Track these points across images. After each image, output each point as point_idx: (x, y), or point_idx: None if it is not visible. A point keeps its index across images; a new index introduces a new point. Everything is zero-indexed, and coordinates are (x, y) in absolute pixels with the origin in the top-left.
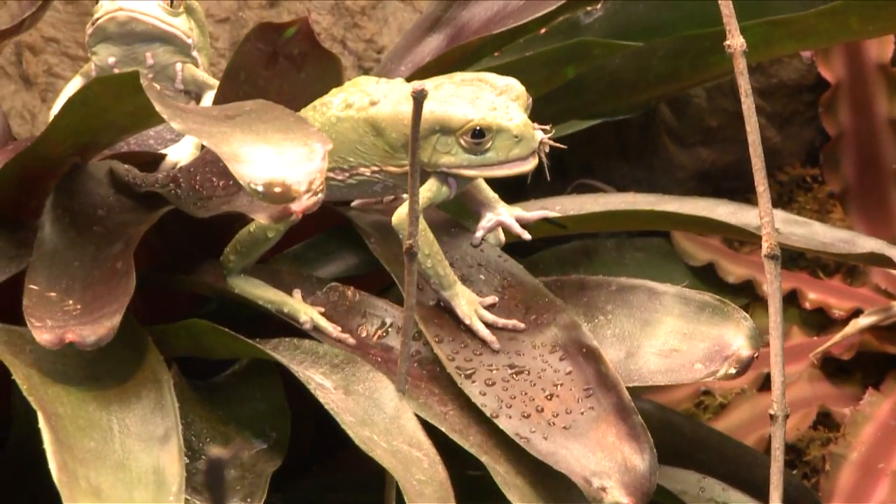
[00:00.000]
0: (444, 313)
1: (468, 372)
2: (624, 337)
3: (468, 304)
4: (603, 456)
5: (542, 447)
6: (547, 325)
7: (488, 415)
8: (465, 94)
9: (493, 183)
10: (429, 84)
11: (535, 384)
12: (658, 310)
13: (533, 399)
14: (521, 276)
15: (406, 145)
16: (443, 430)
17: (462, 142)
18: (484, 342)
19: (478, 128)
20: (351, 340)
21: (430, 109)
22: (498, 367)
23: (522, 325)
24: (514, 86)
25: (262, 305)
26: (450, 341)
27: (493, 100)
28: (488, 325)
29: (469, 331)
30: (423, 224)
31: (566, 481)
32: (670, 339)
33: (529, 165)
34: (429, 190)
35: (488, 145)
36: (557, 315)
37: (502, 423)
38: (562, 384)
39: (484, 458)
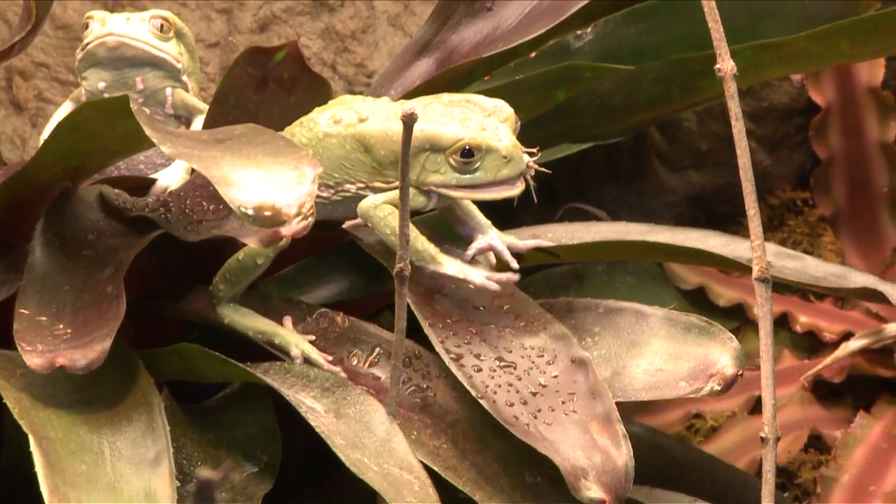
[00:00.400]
0: (437, 303)
1: (456, 355)
2: (610, 358)
3: (454, 264)
4: (583, 454)
5: (526, 432)
6: (537, 332)
7: (474, 395)
8: (454, 114)
9: (483, 206)
10: (417, 104)
11: (521, 379)
12: (645, 331)
13: (518, 392)
14: (511, 288)
15: (393, 162)
16: (435, 468)
17: (451, 161)
18: (476, 303)
19: (467, 147)
20: (343, 375)
21: (420, 128)
22: (486, 358)
23: (516, 277)
24: (502, 107)
25: (252, 337)
26: (440, 327)
27: (482, 120)
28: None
29: (459, 293)
30: (389, 209)
31: (565, 500)
32: (656, 359)
33: (516, 190)
34: None
35: (477, 165)
36: (548, 325)
37: (487, 405)
38: (547, 385)
39: (477, 496)
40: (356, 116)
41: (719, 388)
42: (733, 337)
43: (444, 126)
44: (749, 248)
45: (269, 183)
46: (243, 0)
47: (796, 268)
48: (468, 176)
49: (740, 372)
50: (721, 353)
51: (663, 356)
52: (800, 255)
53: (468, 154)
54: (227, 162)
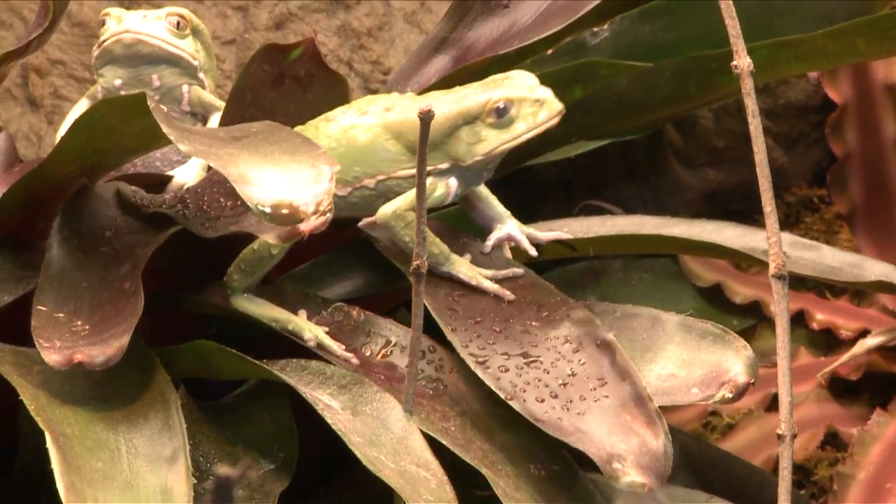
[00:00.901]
0: (457, 305)
1: (482, 359)
2: None
3: (468, 268)
4: (619, 439)
5: (558, 427)
6: (560, 321)
7: (503, 397)
8: (475, 87)
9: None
10: (437, 93)
11: (548, 372)
12: (660, 336)
13: (547, 385)
14: (532, 277)
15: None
16: (445, 443)
17: (488, 123)
18: (497, 298)
19: (500, 105)
20: (355, 360)
21: (448, 109)
22: (511, 356)
23: (521, 271)
24: (524, 72)
25: (267, 324)
26: (463, 331)
27: (507, 82)
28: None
29: (478, 291)
30: (410, 217)
31: (568, 495)
32: (670, 364)
33: (554, 120)
34: None
35: (515, 118)
36: (571, 311)
37: (517, 406)
38: (576, 374)
39: (485, 471)
40: (383, 107)
41: (731, 395)
42: (748, 345)
43: (470, 98)
44: (764, 238)
45: (286, 181)
46: None
47: (812, 258)
48: (509, 132)
49: (752, 381)
50: (734, 361)
51: (677, 362)
52: (816, 245)
53: (503, 112)
54: (244, 159)
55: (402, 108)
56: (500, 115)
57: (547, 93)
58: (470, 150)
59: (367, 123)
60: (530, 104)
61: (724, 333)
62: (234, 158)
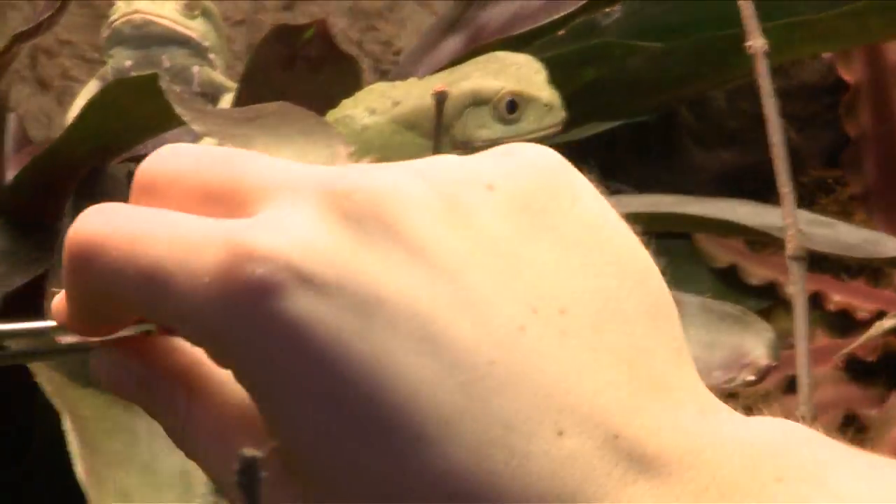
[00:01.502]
0: None
1: None
2: None
3: None
4: None
5: None
6: None
7: None
8: (489, 69)
9: None
10: (439, 75)
11: None
12: (682, 318)
13: None
14: None
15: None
16: None
17: (495, 113)
18: None
19: (510, 97)
20: None
21: (459, 88)
22: None
23: None
24: (531, 61)
25: None
26: None
27: (517, 72)
28: None
29: None
30: None
31: None
32: (692, 346)
33: (556, 129)
34: None
35: (521, 115)
36: None
37: None
38: None
39: None
40: (390, 101)
41: (753, 377)
42: (769, 327)
43: (484, 80)
44: (779, 216)
45: (302, 161)
46: None
47: (828, 235)
48: (513, 127)
49: (774, 362)
50: (755, 343)
51: (699, 344)
52: (832, 222)
53: (512, 106)
54: (259, 140)
55: (411, 98)
56: (510, 109)
57: (556, 98)
58: (472, 133)
59: (379, 122)
60: (540, 106)
61: (743, 315)
62: (249, 139)
